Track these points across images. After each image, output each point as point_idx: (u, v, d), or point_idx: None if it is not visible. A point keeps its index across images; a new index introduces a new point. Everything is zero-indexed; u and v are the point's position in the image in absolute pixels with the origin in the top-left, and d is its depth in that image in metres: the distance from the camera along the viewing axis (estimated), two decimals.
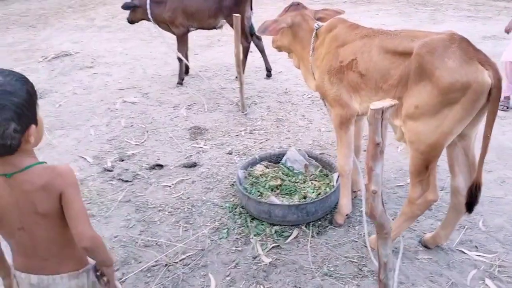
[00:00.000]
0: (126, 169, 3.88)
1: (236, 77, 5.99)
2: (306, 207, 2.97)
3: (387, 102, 1.70)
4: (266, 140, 4.32)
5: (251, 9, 5.62)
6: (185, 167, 3.90)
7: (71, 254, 1.61)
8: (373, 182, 1.81)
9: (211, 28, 5.74)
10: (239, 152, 4.11)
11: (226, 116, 4.90)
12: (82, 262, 1.65)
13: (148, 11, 5.46)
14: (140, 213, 3.29)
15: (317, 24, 2.97)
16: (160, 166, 3.92)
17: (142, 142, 4.38)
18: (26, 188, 1.43)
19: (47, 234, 1.52)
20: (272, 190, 3.28)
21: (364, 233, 2.92)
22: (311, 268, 2.71)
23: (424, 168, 2.35)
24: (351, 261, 2.76)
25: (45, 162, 1.51)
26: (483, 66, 2.05)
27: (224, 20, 5.55)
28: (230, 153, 4.09)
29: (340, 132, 2.85)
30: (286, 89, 5.61)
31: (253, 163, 3.57)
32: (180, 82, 5.87)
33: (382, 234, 1.91)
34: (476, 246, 2.84)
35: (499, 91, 2.06)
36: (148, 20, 5.59)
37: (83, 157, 4.08)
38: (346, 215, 3.06)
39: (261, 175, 3.43)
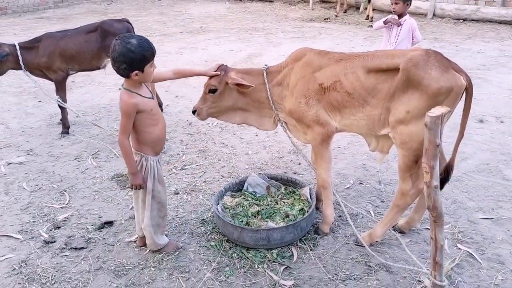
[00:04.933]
0: (71, 236, 3.38)
1: None
2: (300, 224, 3.13)
3: (443, 109, 2.05)
4: (204, 173, 4.28)
5: None
6: None
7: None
8: (434, 178, 2.13)
9: (94, 69, 5.33)
10: (185, 190, 3.97)
11: None
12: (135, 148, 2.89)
13: (20, 58, 4.78)
14: (123, 277, 2.94)
15: (265, 65, 3.24)
16: (110, 223, 3.53)
17: (67, 204, 3.84)
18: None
19: None
20: (254, 216, 3.33)
21: (352, 234, 3.25)
22: (330, 278, 2.88)
23: (414, 163, 2.78)
24: (357, 261, 3.04)
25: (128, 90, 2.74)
26: (458, 73, 2.59)
27: (109, 59, 5.21)
28: (177, 193, 3.92)
29: (321, 149, 3.11)
30: (188, 121, 5.58)
31: (221, 196, 3.54)
32: (66, 131, 5.26)
33: (440, 222, 2.24)
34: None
35: (472, 89, 2.63)
36: (19, 68, 4.89)
37: (7, 236, 3.38)
38: (332, 223, 3.33)
39: (236, 205, 3.44)
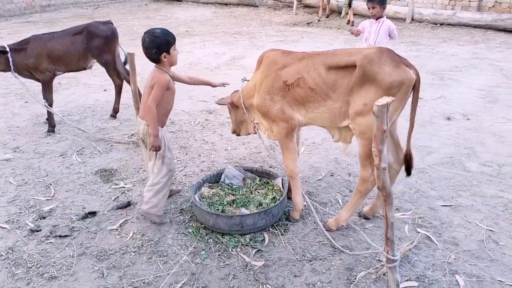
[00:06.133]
0: (56, 225, 3.57)
1: (111, 115, 5.92)
2: (272, 210, 3.36)
3: (389, 99, 2.30)
4: (184, 167, 4.49)
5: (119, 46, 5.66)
6: (120, 208, 3.80)
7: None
8: (382, 161, 2.38)
9: (81, 70, 5.53)
10: None
11: (127, 153, 4.84)
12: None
13: (10, 60, 4.97)
14: (105, 261, 3.14)
15: (244, 77, 3.66)
16: (93, 213, 3.73)
17: (52, 196, 4.02)
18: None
19: (145, 97, 3.32)
20: (230, 205, 3.55)
21: (321, 220, 3.49)
22: (297, 258, 3.12)
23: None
24: (323, 244, 3.28)
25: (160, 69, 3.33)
26: (408, 68, 2.86)
27: (95, 60, 5.44)
28: None
29: (286, 142, 3.35)
30: (170, 119, 5.79)
31: (199, 187, 3.76)
32: (52, 130, 5.44)
33: (389, 201, 2.49)
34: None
35: (419, 84, 2.90)
36: (8, 70, 5.08)
37: None
38: (301, 210, 3.57)
39: (212, 195, 3.66)
